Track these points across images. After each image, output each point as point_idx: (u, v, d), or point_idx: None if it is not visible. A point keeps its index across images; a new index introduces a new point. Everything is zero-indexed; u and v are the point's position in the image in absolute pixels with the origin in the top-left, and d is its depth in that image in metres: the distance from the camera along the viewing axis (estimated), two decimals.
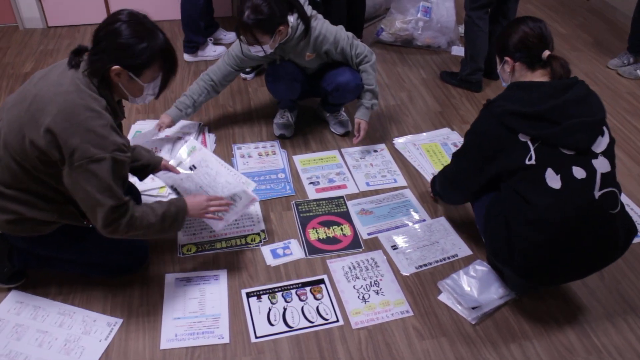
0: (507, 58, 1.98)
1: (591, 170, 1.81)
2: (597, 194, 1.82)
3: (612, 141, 1.90)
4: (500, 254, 1.97)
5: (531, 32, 1.92)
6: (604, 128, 1.88)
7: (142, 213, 1.82)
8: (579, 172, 1.81)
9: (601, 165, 1.83)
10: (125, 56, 1.71)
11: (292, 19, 2.52)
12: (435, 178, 2.45)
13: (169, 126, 2.83)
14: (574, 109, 1.81)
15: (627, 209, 2.49)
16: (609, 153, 1.86)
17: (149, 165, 2.20)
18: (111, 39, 1.70)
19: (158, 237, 2.24)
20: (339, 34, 2.66)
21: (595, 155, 1.83)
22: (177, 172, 2.23)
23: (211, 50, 3.76)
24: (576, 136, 1.80)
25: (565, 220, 1.81)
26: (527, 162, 1.83)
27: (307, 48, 2.66)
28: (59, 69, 1.77)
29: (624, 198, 2.63)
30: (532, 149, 1.83)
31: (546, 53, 1.90)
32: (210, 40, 3.79)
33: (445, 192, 2.29)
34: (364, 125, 2.79)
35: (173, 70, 1.85)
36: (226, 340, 1.95)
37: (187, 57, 3.75)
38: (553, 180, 1.81)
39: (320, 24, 2.63)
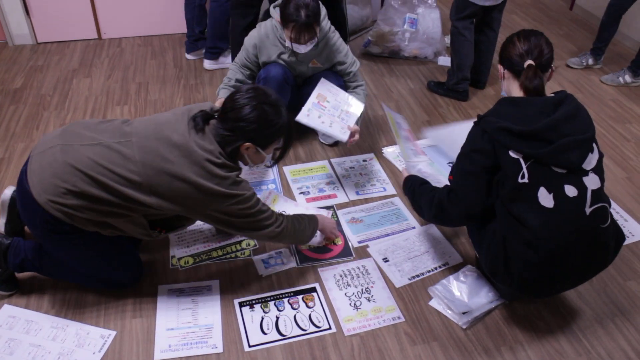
0: (499, 65, 2.02)
1: (582, 188, 1.83)
2: (588, 210, 1.83)
3: (601, 157, 1.91)
4: (498, 274, 1.96)
5: (518, 43, 1.93)
6: (594, 144, 1.88)
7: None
8: (570, 191, 1.82)
9: (591, 182, 1.84)
10: (256, 137, 1.87)
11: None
12: (409, 181, 2.34)
13: None
14: (566, 127, 1.81)
15: (613, 212, 2.53)
16: (598, 169, 1.88)
17: None
18: (242, 123, 1.84)
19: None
20: (350, 55, 2.88)
21: (586, 173, 1.84)
22: None
23: (230, 58, 3.78)
24: (568, 155, 1.80)
25: (560, 239, 1.83)
26: (519, 180, 1.82)
27: (319, 56, 2.81)
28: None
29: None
30: (524, 167, 1.82)
31: (526, 63, 1.90)
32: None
33: (443, 215, 2.05)
34: (354, 128, 2.75)
35: (291, 141, 2.04)
36: (220, 349, 1.96)
37: (207, 63, 3.80)
38: (546, 199, 1.82)
39: (337, 36, 2.84)
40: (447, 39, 4.09)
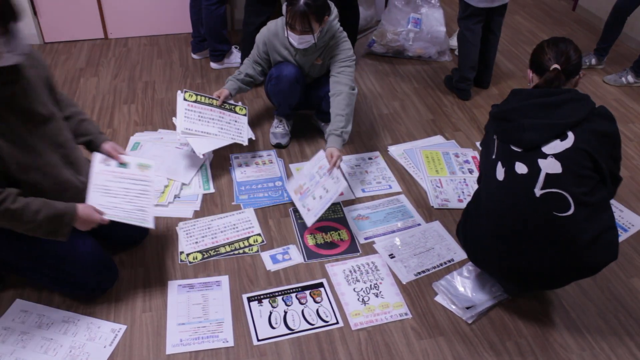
0: (529, 70, 2.06)
1: (534, 168, 1.87)
2: (538, 192, 1.87)
3: (577, 148, 1.83)
4: (458, 235, 2.28)
5: (547, 49, 1.97)
6: (570, 133, 1.84)
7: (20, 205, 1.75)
8: (520, 168, 1.90)
9: (549, 166, 1.85)
10: None
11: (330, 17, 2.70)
12: None
13: (227, 98, 2.85)
14: (536, 112, 1.88)
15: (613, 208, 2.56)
16: (566, 158, 1.83)
17: (91, 142, 2.14)
18: None
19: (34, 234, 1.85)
20: (351, 51, 2.80)
21: (544, 156, 1.86)
22: (118, 158, 2.11)
23: (237, 57, 3.81)
24: (523, 134, 1.88)
25: (502, 211, 1.95)
26: (493, 156, 1.99)
27: (323, 53, 2.81)
28: None
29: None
30: (495, 144, 1.98)
31: (552, 67, 1.93)
32: (236, 47, 3.85)
33: None
34: (336, 154, 2.45)
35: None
36: (230, 343, 1.99)
37: (213, 65, 3.85)
38: (500, 173, 1.95)
39: (344, 36, 2.82)
40: (452, 41, 4.14)
